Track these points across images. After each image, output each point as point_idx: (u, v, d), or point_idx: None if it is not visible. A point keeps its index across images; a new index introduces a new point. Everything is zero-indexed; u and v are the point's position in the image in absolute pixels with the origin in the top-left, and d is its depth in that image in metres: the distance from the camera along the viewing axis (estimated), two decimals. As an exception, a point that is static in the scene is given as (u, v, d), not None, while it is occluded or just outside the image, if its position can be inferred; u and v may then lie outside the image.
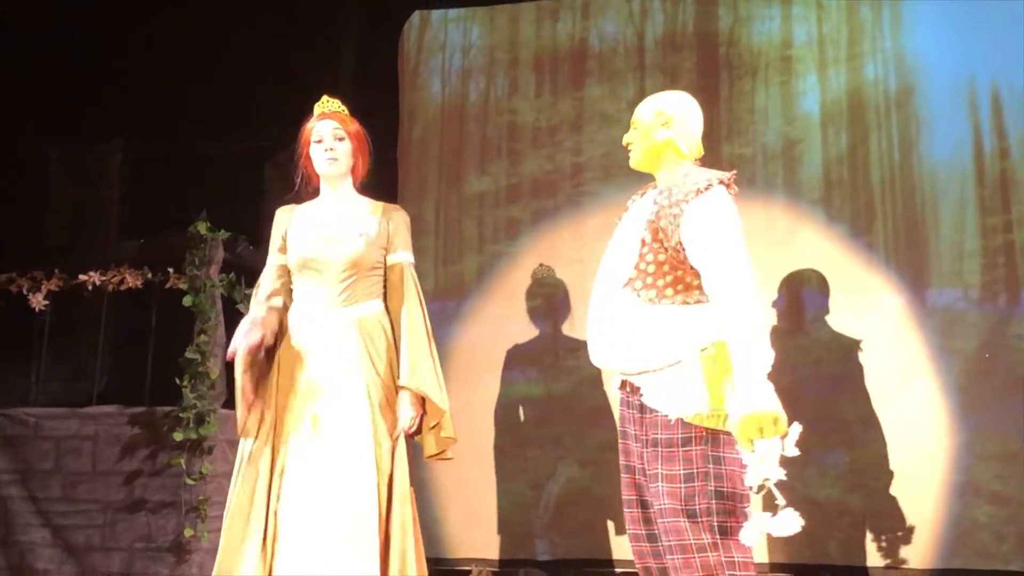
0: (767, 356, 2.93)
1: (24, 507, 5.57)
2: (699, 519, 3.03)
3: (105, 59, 7.10)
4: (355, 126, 3.89)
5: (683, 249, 3.12)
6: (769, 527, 2.88)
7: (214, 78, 6.62)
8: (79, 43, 7.10)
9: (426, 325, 3.89)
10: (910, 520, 5.16)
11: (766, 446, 2.84)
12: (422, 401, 3.79)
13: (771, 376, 2.94)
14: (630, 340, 3.17)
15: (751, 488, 2.91)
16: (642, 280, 3.18)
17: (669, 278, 3.16)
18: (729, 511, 3.04)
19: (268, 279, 3.88)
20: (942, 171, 5.49)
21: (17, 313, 5.99)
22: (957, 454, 5.18)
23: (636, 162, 3.45)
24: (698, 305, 3.15)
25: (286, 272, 3.87)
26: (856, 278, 5.47)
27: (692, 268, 3.13)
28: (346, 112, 3.91)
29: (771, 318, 5.41)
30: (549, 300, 5.94)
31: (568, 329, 5.86)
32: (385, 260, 3.88)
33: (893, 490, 5.18)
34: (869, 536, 5.23)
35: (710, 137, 5.76)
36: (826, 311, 5.43)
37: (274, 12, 6.59)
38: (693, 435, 3.07)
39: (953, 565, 5.10)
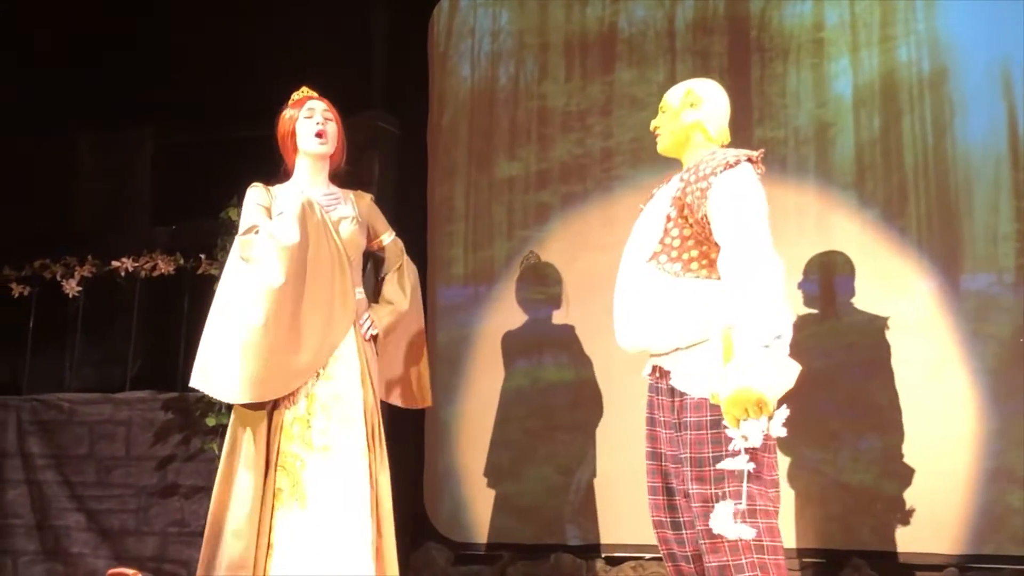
0: (770, 335, 2.88)
1: (59, 492, 5.63)
2: (727, 502, 2.98)
3: (135, 46, 7.12)
4: (336, 113, 3.96)
5: (708, 224, 3.11)
6: (730, 529, 2.91)
7: (245, 64, 6.63)
8: (110, 30, 7.12)
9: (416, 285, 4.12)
10: (942, 505, 5.13)
11: (750, 426, 2.83)
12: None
13: (802, 361, 2.92)
14: (656, 315, 3.15)
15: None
16: (667, 254, 3.17)
17: (694, 252, 3.15)
18: (757, 494, 3.01)
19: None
20: (976, 154, 5.42)
21: (51, 299, 6.04)
22: (989, 439, 5.13)
23: (664, 146, 3.44)
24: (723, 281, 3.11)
25: None
26: (889, 262, 5.42)
27: (716, 244, 3.12)
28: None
29: (800, 302, 5.37)
30: (579, 285, 5.93)
31: (598, 314, 5.85)
32: (379, 242, 4.08)
33: (926, 475, 5.14)
34: (902, 521, 5.20)
35: (741, 120, 5.76)
36: (858, 295, 5.38)
37: (303, -2, 6.60)
38: (722, 416, 3.01)
39: (986, 551, 5.06)
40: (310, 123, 3.84)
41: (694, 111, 3.37)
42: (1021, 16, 5.39)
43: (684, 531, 3.19)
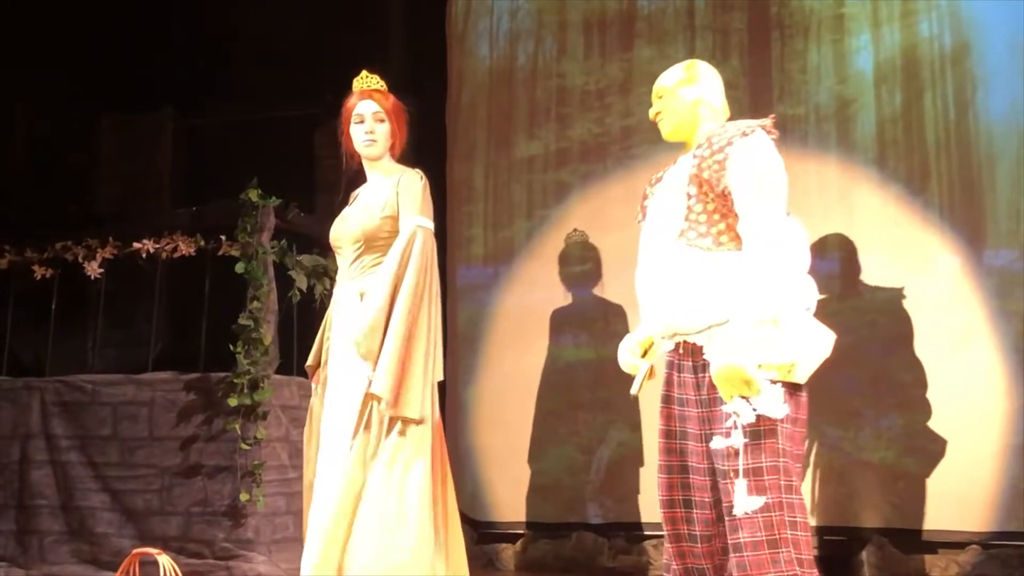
0: (770, 309, 2.83)
1: (83, 472, 5.65)
2: (764, 477, 2.90)
3: (156, 28, 7.14)
4: (392, 102, 3.88)
5: (730, 195, 3.01)
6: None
7: (264, 45, 6.64)
8: (130, 13, 7.14)
9: (391, 281, 3.60)
10: (965, 483, 5.11)
11: (740, 404, 2.80)
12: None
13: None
14: (690, 293, 3.02)
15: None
16: (695, 230, 3.05)
17: (722, 225, 3.03)
18: (789, 469, 2.92)
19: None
20: (998, 130, 5.39)
21: (73, 281, 6.06)
22: (1015, 416, 5.11)
23: (669, 131, 3.31)
24: None
25: None
26: (911, 239, 5.40)
27: (737, 215, 3.02)
28: (384, 87, 3.90)
29: (821, 279, 5.33)
30: (599, 264, 5.93)
31: (618, 293, 5.84)
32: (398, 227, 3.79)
33: (949, 453, 5.13)
34: (924, 499, 5.19)
35: (762, 98, 5.75)
36: (881, 272, 5.37)
37: (322, -22, 6.60)
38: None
39: (1010, 528, 5.05)
40: (360, 130, 3.84)
41: (694, 87, 3.25)
42: (1045, -10, 5.34)
43: (695, 510, 3.10)
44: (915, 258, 5.36)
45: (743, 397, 2.82)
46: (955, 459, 5.12)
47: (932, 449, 5.17)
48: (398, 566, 3.43)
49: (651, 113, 3.35)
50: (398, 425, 3.56)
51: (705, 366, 3.03)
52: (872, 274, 5.38)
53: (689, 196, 3.10)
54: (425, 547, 3.48)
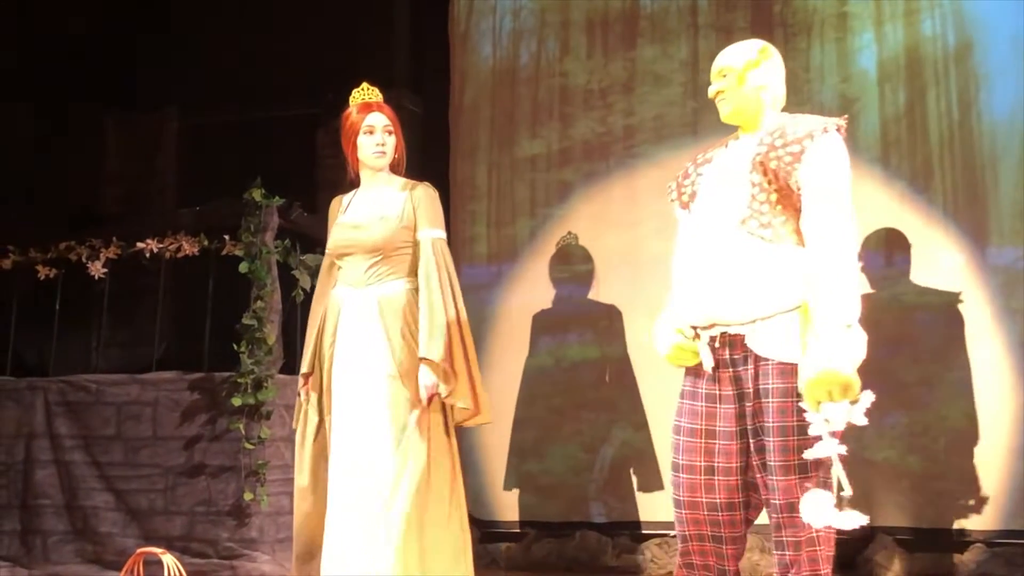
0: (851, 313, 2.80)
1: (87, 472, 5.66)
2: (810, 473, 2.87)
3: (158, 27, 7.14)
4: (395, 115, 3.93)
5: (797, 191, 2.95)
6: (833, 519, 2.76)
7: (267, 45, 6.64)
8: (132, 12, 7.14)
9: (442, 296, 3.75)
10: (970, 481, 5.11)
11: (833, 410, 2.72)
12: (444, 370, 3.70)
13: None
14: (744, 283, 2.95)
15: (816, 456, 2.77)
16: (758, 219, 2.97)
17: (783, 217, 2.96)
18: (828, 465, 2.85)
19: (321, 274, 4.03)
20: (1002, 128, 5.38)
21: (77, 281, 6.06)
22: (1019, 414, 5.11)
23: (729, 112, 3.18)
24: None
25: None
26: (915, 237, 5.39)
27: (799, 211, 2.96)
28: (382, 98, 3.94)
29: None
30: (602, 262, 5.93)
31: (621, 291, 5.84)
32: (414, 238, 3.85)
33: (953, 451, 5.13)
34: (928, 498, 5.19)
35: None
36: (884, 271, 5.37)
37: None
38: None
39: (1015, 526, 5.05)
40: (371, 140, 3.87)
41: (761, 71, 3.16)
42: (1048, -12, 5.34)
43: (720, 512, 3.02)
44: (919, 256, 5.36)
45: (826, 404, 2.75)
46: (959, 457, 5.12)
47: (936, 448, 5.17)
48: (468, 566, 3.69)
49: (711, 91, 3.22)
50: (441, 430, 3.74)
51: (747, 357, 2.98)
52: (876, 273, 5.38)
53: (753, 184, 3.02)
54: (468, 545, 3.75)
